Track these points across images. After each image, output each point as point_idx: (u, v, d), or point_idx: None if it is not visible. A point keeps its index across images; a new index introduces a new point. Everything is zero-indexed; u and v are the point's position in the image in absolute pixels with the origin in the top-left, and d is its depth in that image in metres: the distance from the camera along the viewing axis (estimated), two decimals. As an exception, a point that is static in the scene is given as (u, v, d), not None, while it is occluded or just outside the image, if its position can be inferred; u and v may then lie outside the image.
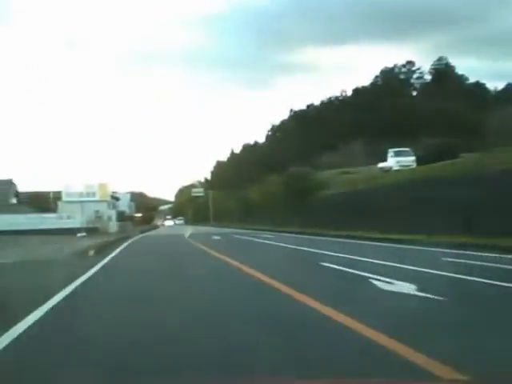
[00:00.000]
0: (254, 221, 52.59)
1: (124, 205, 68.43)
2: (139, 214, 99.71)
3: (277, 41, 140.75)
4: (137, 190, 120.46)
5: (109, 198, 44.21)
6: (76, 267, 10.40)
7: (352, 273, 7.98)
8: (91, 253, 14.81)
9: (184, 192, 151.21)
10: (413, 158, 31.09)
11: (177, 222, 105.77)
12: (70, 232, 36.03)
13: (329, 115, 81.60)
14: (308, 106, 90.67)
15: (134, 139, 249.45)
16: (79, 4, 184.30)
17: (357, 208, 24.61)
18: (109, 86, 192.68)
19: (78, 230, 36.90)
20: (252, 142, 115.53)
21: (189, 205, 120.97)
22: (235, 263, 9.91)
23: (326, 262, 9.62)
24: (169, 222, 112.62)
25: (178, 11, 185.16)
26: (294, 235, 25.03)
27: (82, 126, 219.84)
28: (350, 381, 2.60)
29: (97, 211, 42.02)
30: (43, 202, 49.50)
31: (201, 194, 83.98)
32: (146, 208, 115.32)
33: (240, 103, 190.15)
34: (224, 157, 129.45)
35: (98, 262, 11.99)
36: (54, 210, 44.01)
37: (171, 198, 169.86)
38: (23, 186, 71.62)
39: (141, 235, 36.44)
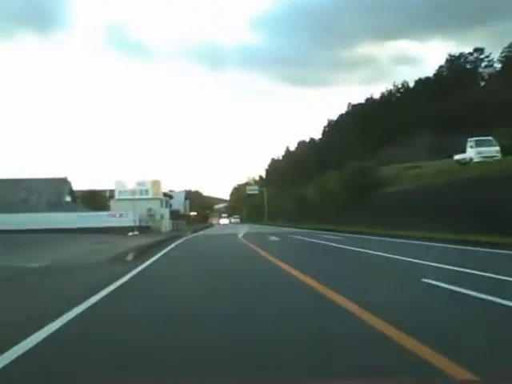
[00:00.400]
0: (311, 219, 50.09)
1: (178, 203, 67.50)
2: (194, 213, 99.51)
3: (333, 37, 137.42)
4: (192, 188, 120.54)
5: (161, 196, 42.75)
6: (104, 275, 8.36)
7: (487, 301, 5.28)
8: (130, 257, 12.76)
9: (239, 190, 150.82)
10: (497, 148, 27.38)
11: (232, 220, 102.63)
12: (122, 230, 34.83)
13: (389, 108, 77.41)
14: (367, 100, 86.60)
15: (191, 138, 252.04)
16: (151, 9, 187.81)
17: (430, 205, 21.60)
18: (161, 85, 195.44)
19: (131, 228, 35.61)
20: (307, 139, 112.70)
21: (243, 203, 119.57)
22: (314, 283, 7.18)
23: (429, 277, 6.91)
24: (224, 221, 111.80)
25: (243, 12, 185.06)
26: (362, 236, 22.15)
27: (137, 124, 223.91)
28: (349, 381, 2.62)
29: (149, 209, 40.66)
30: (97, 201, 48.84)
31: (255, 192, 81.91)
32: (201, 206, 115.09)
33: (296, 100, 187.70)
34: (279, 154, 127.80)
35: (133, 268, 9.92)
36: (107, 208, 43.07)
37: (226, 196, 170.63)
38: (77, 185, 72.45)
39: (193, 235, 34.64)
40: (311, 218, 50.66)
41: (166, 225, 41.51)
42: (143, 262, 11.87)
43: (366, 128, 76.23)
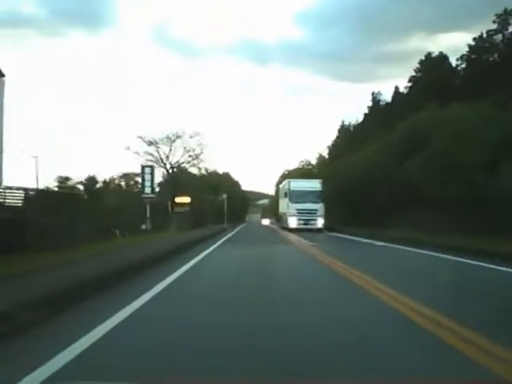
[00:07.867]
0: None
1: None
2: (185, 199, 51.45)
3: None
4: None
5: None
6: None
7: None
8: None
9: (290, 175, 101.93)
10: None
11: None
12: None
13: None
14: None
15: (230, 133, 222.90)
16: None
17: None
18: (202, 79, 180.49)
19: None
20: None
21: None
22: None
23: None
24: (266, 221, 64.19)
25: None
26: None
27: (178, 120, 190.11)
28: (350, 381, 2.67)
29: None
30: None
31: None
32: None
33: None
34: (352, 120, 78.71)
35: None
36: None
37: (269, 191, 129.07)
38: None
39: None
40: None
41: None
42: None
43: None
